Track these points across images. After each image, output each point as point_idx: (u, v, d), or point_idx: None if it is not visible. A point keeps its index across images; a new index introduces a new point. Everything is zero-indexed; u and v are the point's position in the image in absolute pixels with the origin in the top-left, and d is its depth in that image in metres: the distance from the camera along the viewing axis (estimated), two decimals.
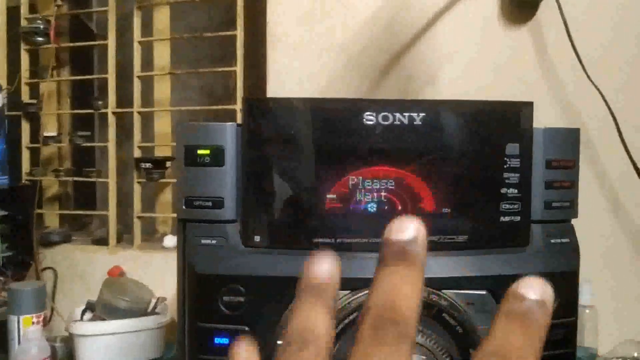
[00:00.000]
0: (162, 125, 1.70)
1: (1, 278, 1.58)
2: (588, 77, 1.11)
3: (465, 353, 0.47)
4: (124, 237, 1.74)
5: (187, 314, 0.49)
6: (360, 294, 0.47)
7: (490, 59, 1.25)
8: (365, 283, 0.47)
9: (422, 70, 1.30)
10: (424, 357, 0.44)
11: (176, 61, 1.77)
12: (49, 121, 1.77)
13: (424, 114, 0.48)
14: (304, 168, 0.49)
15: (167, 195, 1.73)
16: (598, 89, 1.10)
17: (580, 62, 1.11)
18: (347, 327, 0.46)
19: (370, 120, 0.47)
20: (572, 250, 0.51)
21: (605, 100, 1.12)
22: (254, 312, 0.47)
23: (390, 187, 0.49)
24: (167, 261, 1.60)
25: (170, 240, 1.62)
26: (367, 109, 0.47)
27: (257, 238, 0.48)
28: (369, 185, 0.49)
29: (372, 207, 0.49)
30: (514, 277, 0.48)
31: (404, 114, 0.48)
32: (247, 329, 0.47)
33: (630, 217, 1.24)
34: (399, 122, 0.48)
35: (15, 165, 1.70)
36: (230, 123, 0.49)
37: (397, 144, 0.48)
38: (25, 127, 1.71)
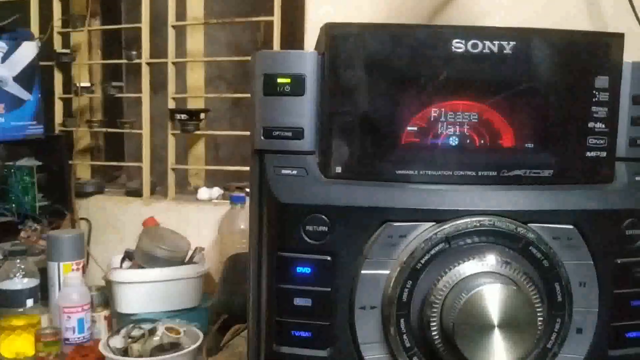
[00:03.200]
0: (195, 77, 1.69)
1: (37, 227, 1.60)
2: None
3: (550, 286, 0.46)
4: (157, 189, 1.75)
5: (267, 244, 0.48)
6: (445, 226, 0.46)
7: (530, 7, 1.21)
8: (449, 214, 0.47)
9: (464, 20, 1.27)
10: (513, 288, 0.43)
11: (207, 15, 1.74)
12: (81, 72, 1.76)
13: (514, 42, 0.46)
14: (387, 98, 0.47)
15: (199, 149, 1.73)
16: None
17: None
18: (432, 259, 0.46)
19: (459, 47, 0.46)
20: None
21: None
22: (337, 242, 0.46)
23: (473, 120, 0.48)
24: (201, 213, 1.61)
25: (205, 193, 1.62)
26: (457, 36, 0.46)
27: (337, 169, 0.47)
28: (451, 118, 0.48)
29: (454, 141, 0.48)
30: (599, 213, 0.47)
31: (494, 41, 0.46)
32: (329, 258, 0.47)
33: None
34: (488, 51, 0.46)
35: (49, 116, 1.71)
36: (310, 51, 0.48)
37: (484, 74, 0.47)
38: (58, 77, 1.70)
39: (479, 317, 0.43)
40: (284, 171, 0.48)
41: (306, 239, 0.47)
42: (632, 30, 1.11)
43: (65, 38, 1.73)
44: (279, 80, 0.47)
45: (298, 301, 0.47)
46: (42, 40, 1.66)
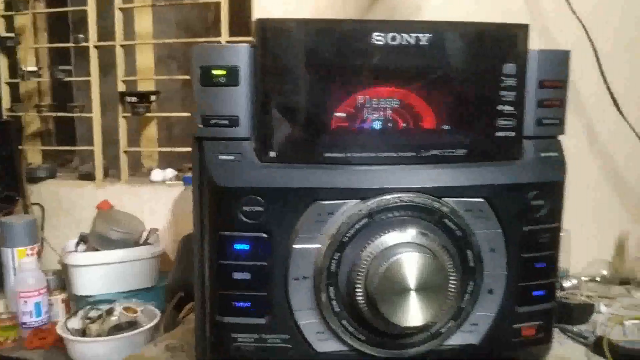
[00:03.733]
0: (145, 59, 1.69)
1: None
2: (569, 5, 1.14)
3: (464, 253, 0.52)
4: (110, 172, 1.76)
5: (208, 224, 0.52)
6: (368, 202, 0.51)
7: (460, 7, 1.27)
8: (372, 192, 0.51)
9: (407, 0, 1.32)
10: (428, 256, 0.48)
11: None
12: (27, 56, 1.74)
13: (429, 35, 0.51)
14: (315, 87, 0.51)
15: (151, 130, 1.74)
16: (579, 20, 1.14)
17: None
18: (357, 232, 0.50)
19: (379, 40, 0.50)
20: (560, 163, 0.56)
21: (585, 30, 1.16)
22: (271, 221, 0.51)
23: (395, 105, 0.52)
24: (155, 194, 1.63)
25: (158, 174, 1.64)
26: (377, 30, 0.50)
27: (272, 154, 0.51)
28: (375, 104, 0.52)
29: (378, 125, 0.53)
30: (507, 186, 0.53)
31: (411, 34, 0.50)
32: (264, 235, 0.51)
33: (602, 143, 1.30)
34: (405, 42, 0.51)
35: None
36: (243, 44, 0.51)
37: (402, 64, 0.51)
38: (3, 61, 1.68)
39: (398, 282, 0.48)
40: (222, 156, 0.52)
41: (243, 218, 0.51)
42: (567, 24, 1.18)
43: (9, 21, 1.70)
44: (215, 72, 0.51)
45: (237, 275, 0.52)
46: None
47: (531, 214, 0.54)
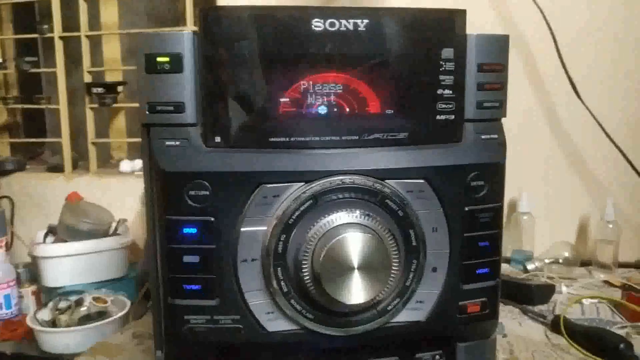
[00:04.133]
0: (111, 50, 1.69)
1: None
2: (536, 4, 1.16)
3: (406, 232, 0.54)
4: (79, 164, 1.75)
5: (157, 209, 0.53)
6: (312, 185, 0.52)
7: None
8: (316, 175, 0.53)
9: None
10: (369, 235, 0.50)
11: None
12: None
13: (367, 21, 0.52)
14: (258, 73, 0.53)
15: (120, 121, 1.74)
16: (539, 7, 1.16)
17: None
18: (302, 214, 0.52)
19: (318, 26, 0.51)
20: (500, 145, 0.58)
21: (544, 17, 1.18)
22: (218, 204, 0.52)
23: (339, 91, 0.54)
24: (124, 185, 1.63)
25: (127, 165, 1.64)
26: (315, 16, 0.51)
27: (217, 139, 0.53)
28: (319, 89, 0.53)
29: (323, 110, 0.54)
30: (447, 168, 0.54)
31: (349, 20, 0.52)
32: (212, 219, 0.52)
33: (564, 128, 1.33)
34: (344, 28, 0.52)
35: None
36: (187, 31, 0.52)
37: (343, 50, 0.53)
38: None
39: (341, 261, 0.50)
40: (168, 142, 0.53)
41: (190, 202, 0.52)
42: (528, 12, 1.20)
43: None
44: (159, 59, 0.52)
45: (187, 258, 0.53)
46: None
47: (472, 195, 0.56)
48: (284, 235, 0.52)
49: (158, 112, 0.53)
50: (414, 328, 0.57)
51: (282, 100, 0.53)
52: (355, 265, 0.50)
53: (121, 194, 1.57)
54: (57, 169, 1.66)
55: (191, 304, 0.54)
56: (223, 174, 0.52)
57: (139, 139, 1.57)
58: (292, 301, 0.53)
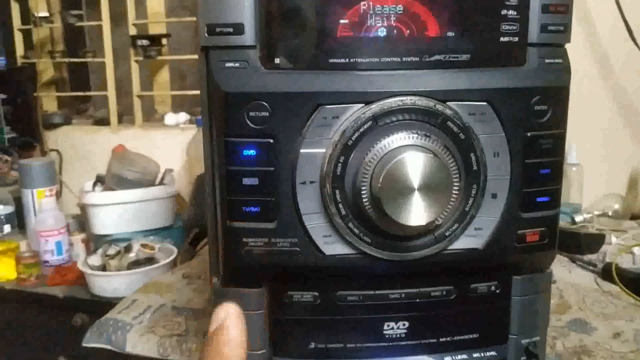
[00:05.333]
0: (155, 4, 1.69)
1: (8, 158, 1.63)
2: None
3: (467, 156, 0.53)
4: (124, 118, 1.78)
5: (216, 132, 0.53)
6: (372, 106, 0.51)
7: None
8: (376, 96, 0.52)
9: None
10: (430, 155, 0.49)
11: None
12: (38, 2, 1.74)
13: None
14: None
15: (164, 75, 1.75)
16: None
17: None
18: (361, 136, 0.51)
19: None
20: (564, 70, 0.56)
21: None
22: (277, 126, 0.52)
23: (399, 13, 0.53)
24: (169, 138, 1.65)
25: (172, 118, 1.66)
26: None
27: (277, 60, 0.52)
28: (378, 11, 0.52)
29: (382, 32, 0.53)
30: (510, 90, 0.53)
31: None
32: (271, 140, 0.52)
33: (616, 78, 1.29)
34: None
35: (10, 48, 1.70)
36: None
37: None
38: (15, 7, 1.69)
39: (401, 182, 0.49)
40: (228, 64, 0.52)
41: (250, 124, 0.52)
42: None
43: None
44: None
45: (246, 180, 0.53)
46: None
47: (534, 120, 0.55)
48: (343, 157, 0.52)
49: (217, 34, 0.52)
50: (471, 255, 0.56)
51: (341, 21, 0.52)
52: (416, 186, 0.49)
53: (166, 147, 1.59)
54: (103, 122, 1.69)
55: (249, 226, 0.54)
56: (283, 94, 0.52)
57: (183, 92, 1.59)
58: (350, 224, 0.53)
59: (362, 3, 0.52)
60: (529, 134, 0.55)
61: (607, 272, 1.00)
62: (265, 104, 0.52)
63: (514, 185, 0.55)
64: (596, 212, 1.29)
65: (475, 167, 0.53)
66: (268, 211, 0.54)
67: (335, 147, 0.52)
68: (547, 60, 0.55)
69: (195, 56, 1.61)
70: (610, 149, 1.35)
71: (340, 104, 0.52)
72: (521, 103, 0.54)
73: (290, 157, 0.53)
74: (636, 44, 1.19)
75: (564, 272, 1.05)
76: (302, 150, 0.52)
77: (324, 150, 0.52)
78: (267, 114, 0.52)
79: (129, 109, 1.71)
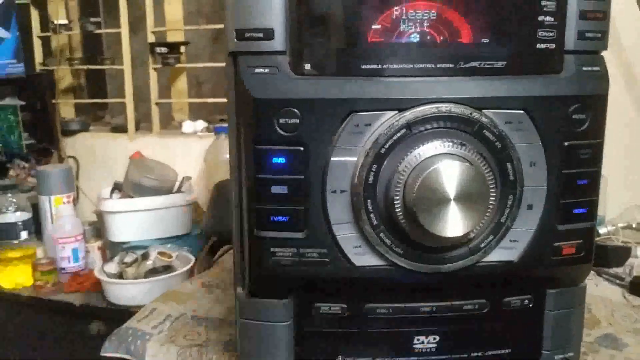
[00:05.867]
0: (173, 11, 1.69)
1: (26, 165, 1.64)
2: None
3: (503, 165, 0.51)
4: (141, 125, 1.78)
5: (244, 139, 0.52)
6: (405, 113, 0.50)
7: None
8: (410, 103, 0.51)
9: None
10: (467, 164, 0.48)
11: None
12: (58, 9, 1.75)
13: None
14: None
15: (181, 83, 1.75)
16: None
17: None
18: (395, 144, 0.50)
19: None
20: (602, 78, 0.54)
21: None
22: (308, 133, 0.51)
23: (432, 18, 0.51)
24: (186, 146, 1.65)
25: (189, 126, 1.65)
26: None
27: (307, 66, 0.51)
28: (412, 16, 0.51)
29: (415, 37, 0.52)
30: (547, 98, 0.51)
31: None
32: (301, 148, 0.51)
33: None
34: None
35: (29, 55, 1.71)
36: None
37: None
38: (35, 15, 1.70)
39: (437, 192, 0.48)
40: (257, 70, 0.51)
41: (280, 131, 0.51)
42: None
43: None
44: None
45: (275, 189, 0.52)
46: None
47: (572, 128, 0.53)
48: (375, 166, 0.50)
49: (246, 39, 0.51)
50: (506, 268, 0.54)
51: (373, 27, 0.51)
52: (452, 196, 0.48)
53: (183, 154, 1.59)
54: (121, 129, 1.69)
55: (278, 236, 0.53)
56: (314, 100, 0.50)
57: (201, 99, 1.58)
58: (382, 235, 0.52)
59: (395, 8, 0.51)
60: (566, 144, 0.53)
61: (635, 286, 0.98)
62: (295, 110, 0.50)
63: (550, 196, 0.54)
64: (620, 225, 1.27)
65: (512, 177, 0.52)
66: (297, 220, 0.52)
67: (367, 155, 0.50)
68: (584, 68, 0.54)
69: (214, 64, 1.61)
70: (634, 160, 1.32)
71: (373, 111, 0.50)
72: (559, 111, 0.52)
73: (321, 166, 0.51)
74: None
75: (591, 285, 1.02)
76: (333, 159, 0.51)
77: (355, 158, 0.51)
78: (298, 120, 0.50)
79: (147, 116, 1.71)
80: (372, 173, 0.50)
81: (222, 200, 1.30)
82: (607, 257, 1.08)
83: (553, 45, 0.53)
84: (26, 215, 1.46)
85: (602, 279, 1.04)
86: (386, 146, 0.50)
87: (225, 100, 1.49)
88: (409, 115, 0.50)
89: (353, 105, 0.50)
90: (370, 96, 0.50)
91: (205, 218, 1.35)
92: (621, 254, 1.10)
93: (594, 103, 0.54)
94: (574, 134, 0.53)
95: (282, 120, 0.51)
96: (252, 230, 0.54)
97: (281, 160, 0.51)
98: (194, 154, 1.56)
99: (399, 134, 0.50)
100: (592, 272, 1.06)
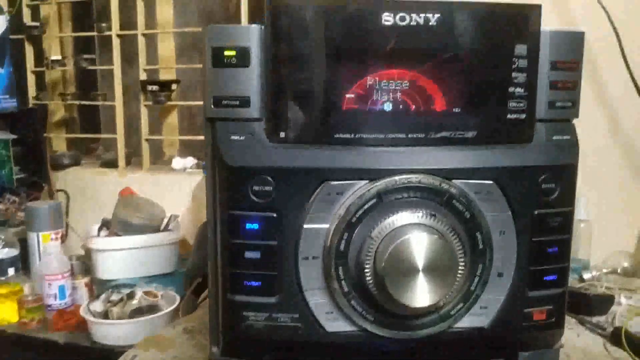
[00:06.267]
0: (166, 47, 1.71)
1: (16, 199, 1.64)
2: None
3: (472, 235, 0.52)
4: (132, 160, 1.79)
5: (219, 204, 0.53)
6: (377, 183, 0.51)
7: None
8: (381, 173, 0.52)
9: None
10: (436, 236, 0.49)
11: None
12: (52, 45, 1.77)
13: (439, 15, 0.50)
14: (325, 69, 0.52)
15: (173, 119, 1.76)
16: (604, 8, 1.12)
17: None
18: (366, 213, 0.51)
19: (388, 20, 0.50)
20: (572, 146, 0.55)
21: (610, 19, 1.14)
22: (281, 200, 0.51)
23: (405, 87, 0.52)
24: (175, 182, 1.65)
25: (179, 162, 1.66)
26: (386, 10, 0.50)
27: (282, 134, 0.52)
28: (385, 86, 0.52)
29: (388, 107, 0.53)
30: (517, 169, 0.52)
31: (420, 14, 0.50)
32: (274, 215, 0.52)
33: (626, 133, 1.28)
34: (414, 23, 0.50)
35: (22, 89, 1.72)
36: (254, 25, 0.52)
37: (412, 45, 0.51)
38: (29, 50, 1.72)
39: (406, 263, 0.48)
40: (233, 137, 0.52)
41: (253, 198, 0.51)
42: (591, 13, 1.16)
43: (35, 11, 1.74)
44: (226, 52, 0.51)
45: (248, 254, 0.52)
46: (11, 14, 1.67)
47: (542, 198, 0.54)
48: (347, 234, 0.51)
49: (223, 106, 0.52)
50: (476, 334, 0.55)
51: (347, 96, 0.52)
52: (420, 267, 0.49)
53: (172, 191, 1.59)
54: (111, 164, 1.70)
55: (251, 300, 0.53)
56: (287, 169, 0.51)
57: (191, 137, 1.59)
58: (353, 302, 0.52)
59: (368, 77, 0.52)
60: (536, 212, 0.54)
61: (616, 337, 0.98)
62: (269, 178, 0.51)
63: (520, 263, 0.54)
64: (605, 270, 1.27)
65: (481, 246, 0.52)
66: (270, 286, 0.53)
67: (339, 223, 0.51)
68: (554, 137, 0.55)
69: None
70: (619, 205, 1.33)
71: (345, 180, 0.51)
72: (528, 181, 0.53)
73: (294, 232, 0.52)
74: None
75: (572, 335, 1.02)
76: (305, 225, 0.52)
77: (327, 225, 0.52)
78: (271, 188, 0.51)
79: (138, 149, 1.72)
80: (343, 241, 0.51)
81: (207, 241, 1.30)
82: (590, 305, 1.08)
83: (523, 116, 0.54)
84: (13, 252, 1.46)
85: (584, 328, 1.04)
86: (357, 215, 0.51)
87: None
88: (380, 185, 0.51)
89: (326, 175, 0.51)
90: (342, 166, 0.51)
91: (190, 258, 1.35)
92: (604, 303, 1.10)
93: (564, 172, 0.55)
94: (543, 202, 0.54)
95: (256, 188, 0.51)
96: (225, 293, 0.54)
97: (254, 226, 0.52)
98: (183, 190, 1.57)
99: (370, 203, 0.51)
100: (574, 321, 1.07)
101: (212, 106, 0.53)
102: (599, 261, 1.31)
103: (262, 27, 0.51)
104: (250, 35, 0.51)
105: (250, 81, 0.52)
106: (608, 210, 1.32)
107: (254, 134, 0.52)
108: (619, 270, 1.31)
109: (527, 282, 0.55)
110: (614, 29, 1.13)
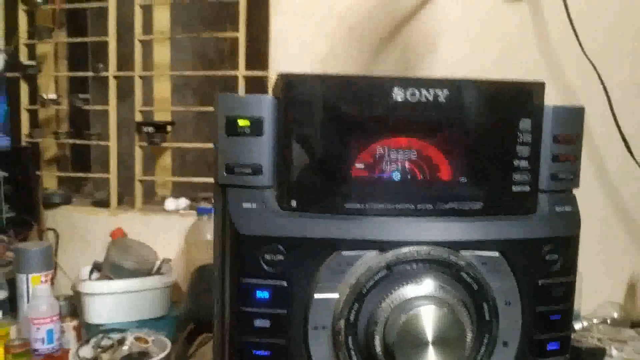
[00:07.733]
0: (161, 88, 1.72)
1: (5, 238, 1.61)
2: (588, 58, 1.16)
3: (479, 306, 0.53)
4: (124, 199, 1.78)
5: (230, 271, 0.53)
6: (386, 254, 0.52)
7: (489, 30, 1.29)
8: (391, 245, 0.52)
9: (422, 39, 1.34)
10: (445, 310, 0.49)
11: (173, 23, 1.78)
12: (47, 83, 1.77)
13: (448, 91, 0.52)
14: (335, 139, 0.53)
15: (166, 159, 1.76)
16: (597, 72, 1.16)
17: (580, 45, 1.17)
18: (376, 284, 0.51)
19: (399, 96, 0.52)
20: (574, 217, 0.57)
21: (599, 75, 1.18)
22: (292, 269, 0.52)
23: (413, 157, 0.54)
24: (168, 223, 1.64)
25: (172, 204, 1.66)
26: (397, 85, 0.52)
27: (293, 203, 0.53)
28: (393, 155, 0.54)
29: (396, 175, 0.54)
30: (522, 241, 0.53)
31: (430, 90, 0.52)
32: (285, 284, 0.52)
33: (612, 183, 1.31)
34: (424, 99, 0.52)
35: (15, 127, 1.72)
36: (268, 96, 0.53)
37: (421, 118, 0.53)
38: (24, 88, 1.72)
39: (416, 335, 0.49)
40: (245, 204, 0.53)
41: (264, 266, 0.52)
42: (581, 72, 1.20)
43: (31, 49, 1.74)
44: (240, 122, 0.53)
45: (257, 322, 0.53)
46: (8, 52, 1.68)
47: (546, 268, 0.55)
48: (357, 304, 0.52)
49: (235, 173, 0.53)
50: None
51: (358, 166, 0.53)
52: (430, 340, 0.49)
53: (164, 232, 1.58)
54: (103, 203, 1.69)
55: None
56: (298, 239, 0.52)
57: (184, 179, 1.58)
58: None
59: (377, 147, 0.54)
60: (540, 283, 0.55)
61: None
62: (280, 247, 0.52)
63: (525, 332, 0.55)
64: (595, 320, 1.28)
65: (488, 317, 0.53)
66: (279, 355, 0.53)
67: (349, 293, 0.52)
68: (557, 209, 0.56)
69: (199, 144, 1.64)
70: (608, 255, 1.35)
71: (355, 250, 0.52)
72: (533, 253, 0.55)
73: (304, 301, 0.52)
74: (631, 154, 1.22)
75: None
76: (315, 295, 0.52)
77: (337, 295, 0.52)
78: (282, 257, 0.52)
79: (129, 187, 1.71)
80: (353, 311, 0.52)
81: (201, 286, 1.30)
82: (582, 358, 1.09)
83: (528, 188, 0.56)
84: (2, 294, 1.43)
85: None
86: (367, 286, 0.51)
87: (208, 179, 1.49)
88: (390, 256, 0.52)
89: (336, 245, 0.52)
90: (353, 237, 0.52)
91: (183, 303, 1.34)
92: (595, 356, 1.11)
93: (566, 243, 0.56)
94: (547, 273, 0.55)
95: (267, 256, 0.52)
96: None
97: (265, 294, 0.52)
98: (175, 232, 1.56)
99: (379, 275, 0.51)
100: None
101: (225, 173, 0.54)
102: (589, 311, 1.33)
103: (276, 98, 0.53)
104: (264, 105, 0.53)
105: (263, 150, 0.53)
106: (597, 260, 1.34)
107: (265, 201, 0.53)
108: (609, 321, 1.32)
109: (531, 350, 0.56)
110: (601, 82, 1.17)
